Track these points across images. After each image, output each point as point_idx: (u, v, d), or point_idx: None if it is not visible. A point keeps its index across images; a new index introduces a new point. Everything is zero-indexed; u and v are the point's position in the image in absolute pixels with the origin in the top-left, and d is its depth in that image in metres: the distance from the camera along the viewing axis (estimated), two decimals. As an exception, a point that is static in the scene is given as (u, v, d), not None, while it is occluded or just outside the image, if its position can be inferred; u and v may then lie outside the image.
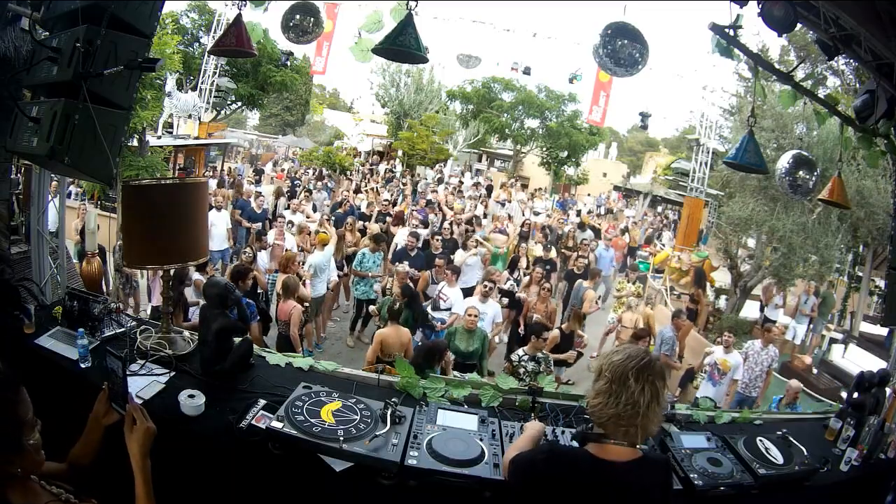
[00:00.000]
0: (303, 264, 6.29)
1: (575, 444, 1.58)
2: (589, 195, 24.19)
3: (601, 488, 1.41)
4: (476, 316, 4.80)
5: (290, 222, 7.91)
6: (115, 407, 1.51)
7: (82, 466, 1.48)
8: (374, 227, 7.91)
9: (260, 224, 8.80)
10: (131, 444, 1.42)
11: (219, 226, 7.90)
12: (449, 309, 5.98)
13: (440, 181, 18.07)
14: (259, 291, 5.85)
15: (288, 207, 9.36)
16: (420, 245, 7.54)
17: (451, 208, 10.68)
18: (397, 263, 6.55)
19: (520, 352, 4.47)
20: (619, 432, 1.42)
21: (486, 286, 5.68)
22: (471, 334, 4.72)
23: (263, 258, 6.47)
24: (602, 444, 1.44)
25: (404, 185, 14.58)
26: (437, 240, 7.40)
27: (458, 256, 7.36)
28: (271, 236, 7.19)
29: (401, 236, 8.08)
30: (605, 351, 1.54)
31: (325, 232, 6.79)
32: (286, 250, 6.64)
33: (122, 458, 1.46)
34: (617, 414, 1.39)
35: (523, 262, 7.77)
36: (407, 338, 4.53)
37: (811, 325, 9.33)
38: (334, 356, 5.92)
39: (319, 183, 13.27)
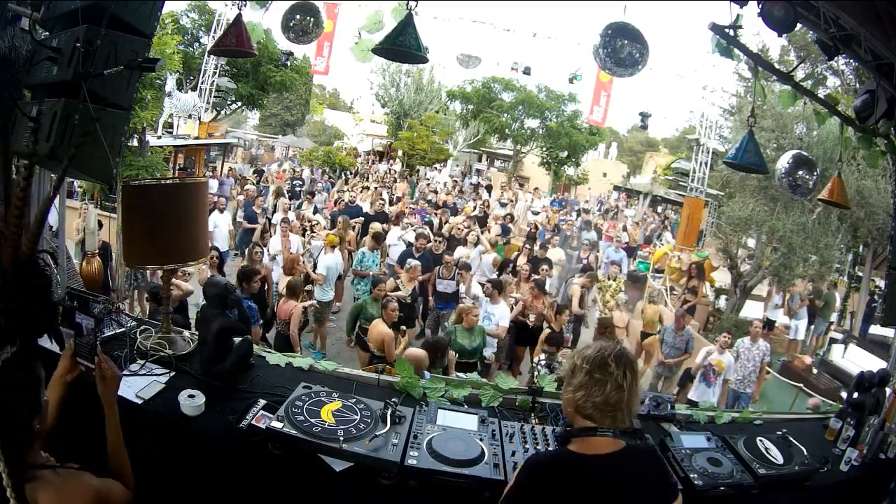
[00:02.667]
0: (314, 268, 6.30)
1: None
2: (589, 189, 24.14)
3: (588, 483, 1.41)
4: (475, 315, 4.84)
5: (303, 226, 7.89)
6: (82, 361, 1.60)
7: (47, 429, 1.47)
8: (376, 227, 7.88)
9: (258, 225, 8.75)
10: (104, 391, 1.49)
11: (221, 227, 7.93)
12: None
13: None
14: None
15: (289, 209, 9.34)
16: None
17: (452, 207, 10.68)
18: (409, 260, 6.54)
19: (542, 359, 4.47)
20: (608, 419, 1.44)
21: (488, 289, 5.69)
22: (471, 331, 4.78)
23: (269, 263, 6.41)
24: (585, 438, 1.44)
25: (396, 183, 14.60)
26: (438, 241, 7.40)
27: (457, 253, 7.37)
28: (274, 245, 7.11)
29: (392, 236, 8.09)
30: (572, 354, 1.56)
31: (333, 233, 6.77)
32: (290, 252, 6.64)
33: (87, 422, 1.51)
34: (605, 401, 1.42)
35: (521, 261, 7.74)
36: (379, 334, 4.56)
37: (812, 325, 9.31)
38: (334, 356, 5.92)
39: (320, 184, 13.24)
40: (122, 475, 1.40)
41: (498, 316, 5.58)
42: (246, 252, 6.09)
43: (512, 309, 5.99)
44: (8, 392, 1.09)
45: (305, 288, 5.84)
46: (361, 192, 11.71)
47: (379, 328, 4.61)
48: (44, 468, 1.19)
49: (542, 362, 4.35)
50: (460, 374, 4.29)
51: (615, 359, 1.44)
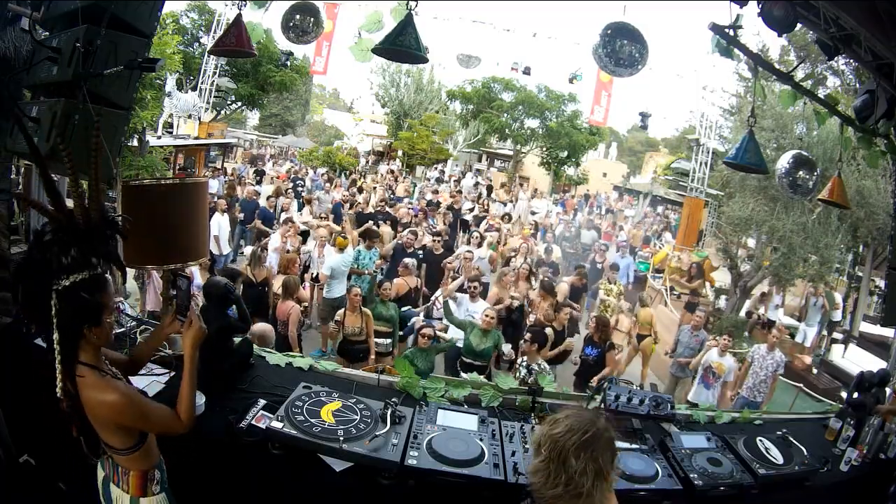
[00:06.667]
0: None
1: None
2: (599, 192, 24.10)
3: None
4: (492, 318, 4.72)
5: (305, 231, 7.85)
6: (180, 318, 1.86)
7: (139, 362, 1.96)
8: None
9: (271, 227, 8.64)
10: (185, 339, 1.81)
11: (225, 229, 7.89)
12: (441, 319, 5.92)
13: (440, 181, 18.11)
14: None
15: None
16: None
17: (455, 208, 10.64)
18: (404, 259, 6.54)
19: (524, 359, 4.42)
20: None
21: (473, 287, 5.67)
22: (485, 334, 4.66)
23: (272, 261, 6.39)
24: None
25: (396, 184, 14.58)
26: (438, 241, 7.38)
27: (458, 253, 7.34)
28: (275, 241, 7.12)
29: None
30: (548, 419, 1.39)
31: (344, 236, 6.74)
32: (288, 251, 6.63)
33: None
34: (558, 495, 1.25)
35: (518, 261, 7.71)
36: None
37: (826, 331, 9.30)
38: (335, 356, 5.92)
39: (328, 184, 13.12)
40: (182, 410, 1.69)
41: (480, 312, 5.51)
42: (250, 255, 6.04)
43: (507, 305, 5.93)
44: (70, 303, 1.48)
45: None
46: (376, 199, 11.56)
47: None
48: (90, 367, 1.54)
49: (524, 363, 4.29)
50: (463, 375, 4.29)
51: (576, 451, 1.24)
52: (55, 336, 1.49)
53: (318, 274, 6.70)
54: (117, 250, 1.67)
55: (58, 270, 1.48)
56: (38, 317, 1.51)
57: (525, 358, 4.37)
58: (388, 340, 5.19)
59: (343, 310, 4.94)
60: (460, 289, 5.88)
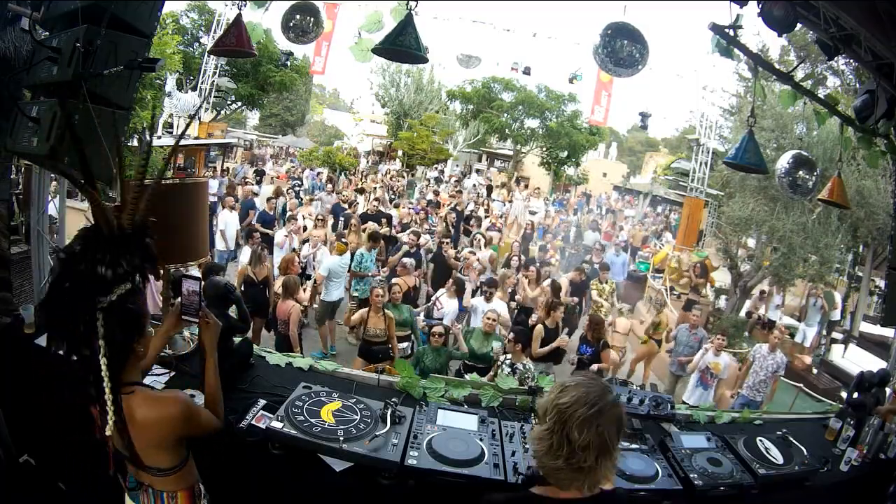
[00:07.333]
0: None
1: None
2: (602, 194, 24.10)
3: None
4: (494, 320, 4.73)
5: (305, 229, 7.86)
6: (187, 318, 1.86)
7: (144, 370, 1.84)
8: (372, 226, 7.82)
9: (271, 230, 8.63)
10: (205, 336, 1.84)
11: (231, 226, 7.88)
12: (441, 319, 5.92)
13: (439, 181, 18.10)
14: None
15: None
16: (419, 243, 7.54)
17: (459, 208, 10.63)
18: (403, 259, 6.55)
19: (507, 357, 4.39)
20: (563, 483, 1.26)
21: (485, 291, 5.67)
22: (487, 337, 4.66)
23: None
24: (549, 486, 1.31)
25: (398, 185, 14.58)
26: (447, 242, 7.37)
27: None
28: (279, 237, 7.12)
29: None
30: (557, 385, 1.33)
31: (344, 242, 6.75)
32: (294, 250, 6.65)
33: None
34: (558, 467, 1.23)
35: (514, 262, 7.72)
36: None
37: (826, 331, 9.30)
38: (335, 356, 5.93)
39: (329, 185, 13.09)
40: (213, 409, 1.73)
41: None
42: (251, 254, 6.05)
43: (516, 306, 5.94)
44: (119, 318, 1.38)
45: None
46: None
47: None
48: (140, 385, 1.48)
49: (507, 360, 4.25)
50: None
51: (580, 425, 1.19)
52: (103, 360, 1.34)
53: (313, 274, 6.68)
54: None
55: (101, 286, 1.34)
56: (80, 342, 1.36)
57: (509, 356, 4.33)
58: (406, 344, 5.14)
59: (365, 310, 4.89)
60: (474, 295, 5.88)
